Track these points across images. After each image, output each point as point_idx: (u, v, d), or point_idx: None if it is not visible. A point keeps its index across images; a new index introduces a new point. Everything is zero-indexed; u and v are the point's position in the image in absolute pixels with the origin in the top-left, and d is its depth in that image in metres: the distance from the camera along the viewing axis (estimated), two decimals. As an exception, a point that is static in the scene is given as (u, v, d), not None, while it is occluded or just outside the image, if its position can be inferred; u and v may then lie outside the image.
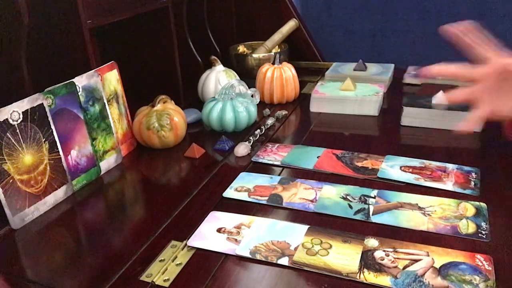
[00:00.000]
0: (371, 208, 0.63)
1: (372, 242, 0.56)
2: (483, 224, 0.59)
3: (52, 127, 0.68)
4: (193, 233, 0.60)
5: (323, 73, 1.18)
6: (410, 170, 0.72)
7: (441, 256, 0.53)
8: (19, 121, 0.63)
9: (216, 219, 0.63)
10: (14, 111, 0.63)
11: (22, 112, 0.64)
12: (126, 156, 0.84)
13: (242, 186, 0.70)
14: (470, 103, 0.67)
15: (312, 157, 0.78)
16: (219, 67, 1.03)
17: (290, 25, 1.22)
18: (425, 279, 0.50)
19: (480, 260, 0.52)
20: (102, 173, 0.77)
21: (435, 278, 0.50)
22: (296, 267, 0.53)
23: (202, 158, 0.81)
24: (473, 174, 0.70)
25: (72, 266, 0.57)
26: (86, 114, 0.75)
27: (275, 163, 0.77)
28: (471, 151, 0.80)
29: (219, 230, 0.60)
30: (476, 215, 0.61)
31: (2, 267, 0.56)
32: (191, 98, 1.05)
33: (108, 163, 0.79)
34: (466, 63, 0.68)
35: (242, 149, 0.81)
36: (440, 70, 0.71)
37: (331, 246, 0.56)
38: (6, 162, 0.62)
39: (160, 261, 0.55)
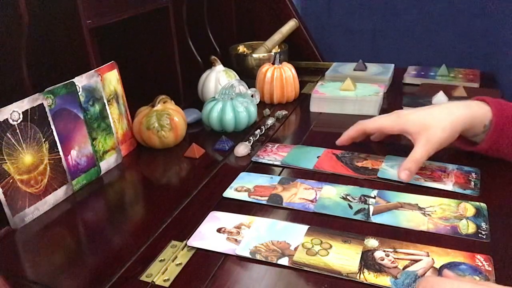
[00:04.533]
0: (371, 208, 0.63)
1: (372, 242, 0.56)
2: (483, 224, 0.59)
3: (52, 127, 0.68)
4: (193, 233, 0.60)
5: (323, 73, 1.18)
6: (410, 170, 0.72)
7: (441, 257, 0.53)
8: (19, 121, 0.63)
9: (216, 219, 0.63)
10: (14, 111, 0.63)
11: (22, 112, 0.64)
12: (126, 156, 0.84)
13: (242, 186, 0.70)
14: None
15: (312, 157, 0.78)
16: (219, 67, 1.03)
17: (290, 25, 1.22)
18: (425, 279, 0.50)
19: (480, 260, 0.52)
20: (102, 173, 0.77)
21: (435, 278, 0.50)
22: (296, 267, 0.53)
23: (202, 158, 0.81)
24: (473, 174, 0.70)
25: (72, 266, 0.57)
26: (86, 114, 0.75)
27: (275, 163, 0.77)
28: (471, 151, 0.80)
29: (219, 230, 0.60)
30: (476, 215, 0.61)
31: (2, 267, 0.56)
32: (191, 98, 1.05)
33: (108, 163, 0.79)
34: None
35: (242, 149, 0.81)
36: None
37: (331, 246, 0.56)
38: (6, 162, 0.62)
39: (160, 261, 0.55)
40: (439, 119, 0.69)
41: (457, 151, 0.79)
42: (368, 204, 0.64)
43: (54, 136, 0.69)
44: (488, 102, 0.70)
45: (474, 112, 0.69)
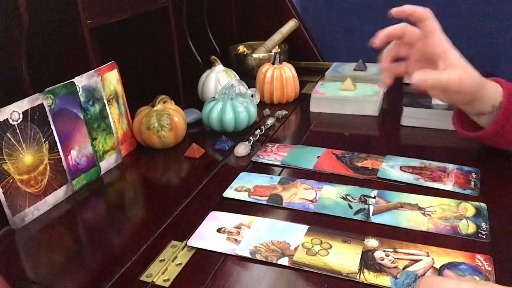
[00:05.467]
0: (371, 208, 0.63)
1: (372, 242, 0.56)
2: (483, 224, 0.59)
3: (52, 127, 0.68)
4: (193, 233, 0.60)
5: (323, 73, 1.18)
6: (410, 170, 0.72)
7: (441, 256, 0.53)
8: (19, 121, 0.63)
9: (216, 219, 0.63)
10: (14, 111, 0.63)
11: (22, 112, 0.64)
12: (126, 156, 0.84)
13: (242, 186, 0.70)
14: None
15: (312, 157, 0.78)
16: (219, 67, 1.03)
17: (290, 25, 1.22)
18: (425, 279, 0.50)
19: (480, 260, 0.52)
20: (102, 173, 0.77)
21: (435, 278, 0.50)
22: (296, 267, 0.53)
23: (202, 158, 0.81)
24: (473, 174, 0.70)
25: (72, 266, 0.57)
26: (86, 114, 0.75)
27: (275, 163, 0.77)
28: (471, 151, 0.80)
29: (219, 230, 0.60)
30: (476, 215, 0.61)
31: (2, 267, 0.56)
32: (191, 98, 1.05)
33: (108, 163, 0.79)
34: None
35: (242, 149, 0.81)
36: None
37: (331, 246, 0.56)
38: (6, 162, 0.62)
39: (160, 261, 0.55)
40: (474, 73, 0.68)
41: (457, 151, 0.79)
42: (368, 204, 0.64)
43: (54, 136, 0.69)
44: (501, 84, 0.69)
45: (489, 88, 0.69)
